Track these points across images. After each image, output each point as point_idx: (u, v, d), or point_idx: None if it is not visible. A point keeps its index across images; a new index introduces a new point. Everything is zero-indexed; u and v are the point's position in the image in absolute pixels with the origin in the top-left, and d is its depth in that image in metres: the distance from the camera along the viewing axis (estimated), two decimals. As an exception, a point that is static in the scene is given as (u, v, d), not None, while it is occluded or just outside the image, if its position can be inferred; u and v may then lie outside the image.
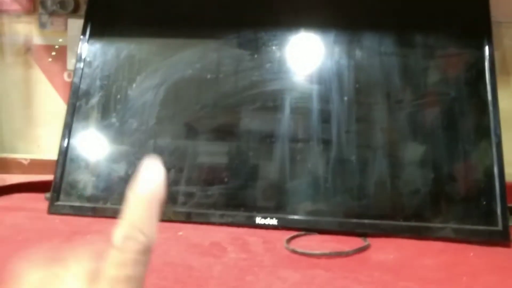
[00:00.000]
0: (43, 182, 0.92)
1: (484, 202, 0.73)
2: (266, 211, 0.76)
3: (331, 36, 0.85)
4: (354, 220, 0.74)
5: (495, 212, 0.72)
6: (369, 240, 0.70)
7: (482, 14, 0.83)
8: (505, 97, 0.87)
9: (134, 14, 0.92)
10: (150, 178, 0.28)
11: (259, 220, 0.75)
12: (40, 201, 0.87)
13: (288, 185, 0.78)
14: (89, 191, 0.83)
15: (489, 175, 0.75)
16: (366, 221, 0.74)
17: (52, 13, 1.01)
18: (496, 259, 0.65)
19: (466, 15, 0.84)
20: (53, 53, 1.03)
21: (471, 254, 0.66)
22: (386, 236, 0.72)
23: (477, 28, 0.82)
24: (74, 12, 1.00)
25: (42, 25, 1.02)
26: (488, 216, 0.72)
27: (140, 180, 0.28)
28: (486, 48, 0.81)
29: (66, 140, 0.85)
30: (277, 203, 0.77)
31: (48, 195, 0.85)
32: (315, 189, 0.77)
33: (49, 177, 0.87)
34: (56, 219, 0.78)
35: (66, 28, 1.01)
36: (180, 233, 0.72)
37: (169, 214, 0.78)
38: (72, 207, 0.81)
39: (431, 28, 0.84)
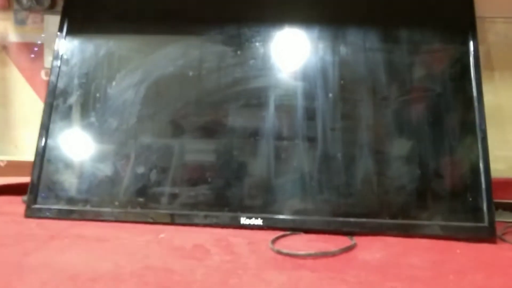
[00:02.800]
0: (20, 185, 0.89)
1: (470, 199, 0.72)
2: (251, 211, 0.75)
3: (315, 32, 0.83)
4: (341, 219, 0.73)
5: (481, 209, 0.71)
6: (356, 239, 0.69)
7: (467, 9, 0.83)
8: (490, 92, 0.86)
9: (113, 10, 0.89)
10: None
11: (243, 220, 0.74)
12: (17, 204, 0.84)
13: (273, 184, 0.76)
14: (67, 193, 0.80)
15: (475, 171, 0.74)
16: (352, 219, 0.73)
17: (28, 10, 0.97)
18: (483, 256, 0.64)
19: (451, 10, 0.83)
20: (32, 51, 0.99)
21: (458, 251, 0.65)
22: (372, 234, 0.71)
23: (462, 23, 0.82)
24: (51, 8, 0.96)
25: (18, 22, 0.99)
26: (474, 213, 0.71)
27: None
28: (471, 44, 0.80)
29: (43, 141, 0.82)
30: (262, 202, 0.76)
31: (25, 197, 0.82)
32: (300, 188, 0.76)
33: (26, 179, 0.84)
34: (33, 223, 0.76)
35: (42, 25, 0.98)
36: (162, 235, 0.70)
37: (151, 215, 0.76)
38: (50, 210, 0.78)
39: (416, 24, 0.83)
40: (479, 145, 0.76)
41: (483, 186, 0.73)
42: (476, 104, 0.78)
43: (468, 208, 0.72)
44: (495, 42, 0.91)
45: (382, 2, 0.85)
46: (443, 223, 0.71)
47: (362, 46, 0.82)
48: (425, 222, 0.71)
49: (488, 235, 0.70)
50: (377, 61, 0.81)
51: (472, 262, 0.62)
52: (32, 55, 1.00)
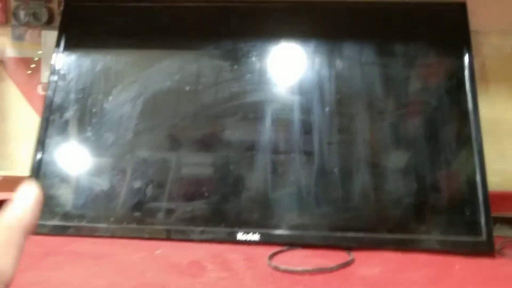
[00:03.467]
0: (15, 200, 0.88)
1: (468, 213, 0.72)
2: (248, 226, 0.74)
3: (311, 46, 0.84)
4: (338, 234, 0.73)
5: (479, 223, 0.71)
6: (354, 254, 0.68)
7: (461, 23, 0.84)
8: (486, 105, 0.87)
9: (110, 25, 0.89)
10: (19, 204, 0.25)
11: (240, 235, 0.73)
12: (12, 220, 0.83)
13: (270, 198, 0.76)
14: (63, 208, 0.79)
15: (472, 184, 0.74)
16: (350, 234, 0.72)
17: (25, 25, 0.97)
18: (482, 271, 0.64)
19: (445, 24, 0.84)
20: (29, 66, 0.99)
21: (457, 266, 0.65)
22: (370, 249, 0.71)
23: (457, 37, 0.83)
24: (49, 23, 0.97)
25: (15, 37, 0.99)
26: (472, 227, 0.71)
27: (10, 205, 0.25)
28: (466, 57, 0.81)
29: (39, 156, 0.82)
30: (259, 217, 0.75)
31: (20, 213, 0.81)
32: (298, 202, 0.75)
33: (22, 194, 0.83)
34: (28, 239, 0.75)
35: (40, 40, 0.98)
36: (158, 251, 0.69)
37: (147, 231, 0.75)
38: (44, 226, 0.77)
39: (411, 38, 0.84)
40: (476, 158, 0.76)
41: (481, 199, 0.73)
42: (472, 117, 0.78)
43: (466, 222, 0.72)
44: (489, 55, 0.91)
45: (378, 16, 0.86)
46: (441, 237, 0.71)
47: (358, 60, 0.83)
48: (423, 237, 0.71)
49: (487, 250, 0.70)
50: (373, 75, 0.81)
51: (471, 277, 0.61)
52: (29, 70, 1.00)
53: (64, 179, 0.81)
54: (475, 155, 0.76)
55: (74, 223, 0.78)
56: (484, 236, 0.70)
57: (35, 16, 0.96)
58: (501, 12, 0.91)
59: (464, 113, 0.78)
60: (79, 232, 0.76)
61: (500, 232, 0.80)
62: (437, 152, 0.76)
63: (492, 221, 0.72)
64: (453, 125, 0.78)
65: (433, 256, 0.68)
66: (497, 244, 0.71)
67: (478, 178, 0.74)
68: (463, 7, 0.85)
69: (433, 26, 0.85)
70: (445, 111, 0.79)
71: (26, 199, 0.25)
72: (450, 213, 0.73)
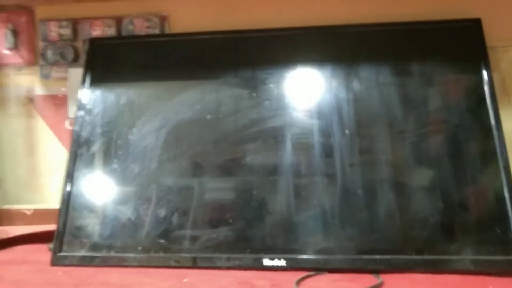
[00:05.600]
0: (46, 233, 0.90)
1: (499, 231, 0.70)
2: (273, 252, 0.74)
3: (328, 70, 0.85)
4: (365, 257, 0.72)
5: (510, 241, 0.69)
6: (382, 277, 0.67)
7: (477, 39, 0.84)
8: (508, 117, 0.86)
9: (132, 60, 0.93)
10: None
11: (266, 261, 0.73)
12: (43, 252, 0.85)
13: (294, 222, 0.76)
14: (92, 239, 0.81)
15: (500, 201, 0.73)
16: (377, 256, 0.71)
17: (53, 64, 1.02)
18: (517, 291, 0.62)
19: (462, 41, 0.85)
20: (56, 103, 1.04)
21: (490, 287, 0.63)
22: (399, 271, 0.69)
23: (474, 54, 0.83)
24: (74, 61, 1.01)
25: (43, 76, 1.04)
26: (504, 245, 0.69)
27: None
28: (484, 73, 0.81)
29: (69, 188, 0.85)
30: (284, 242, 0.75)
31: (51, 245, 0.83)
32: (322, 226, 0.75)
33: (52, 226, 0.86)
34: (59, 271, 0.76)
35: (66, 77, 1.02)
36: (185, 279, 0.70)
37: (174, 259, 0.76)
38: (75, 257, 0.79)
39: (427, 56, 0.84)
40: (502, 174, 0.74)
41: (511, 216, 0.71)
42: (495, 132, 0.77)
43: (497, 240, 0.70)
44: (509, 69, 0.91)
45: (392, 37, 0.87)
46: (472, 257, 0.69)
47: (375, 81, 0.83)
48: (453, 257, 0.69)
49: (521, 268, 0.68)
50: (391, 95, 0.82)
51: (506, 298, 0.59)
52: (57, 107, 1.04)
53: (92, 210, 0.83)
54: (502, 171, 0.74)
55: (103, 254, 0.79)
56: (516, 255, 0.68)
57: (61, 55, 1.01)
58: (517, 26, 0.90)
59: (487, 129, 0.78)
60: (107, 262, 0.78)
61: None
62: (462, 169, 0.75)
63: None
64: (476, 141, 0.77)
65: (465, 276, 0.67)
66: (531, 262, 0.69)
67: (506, 194, 0.73)
68: (478, 24, 0.85)
69: (449, 43, 0.85)
70: (467, 128, 0.78)
71: None
72: (480, 232, 0.71)
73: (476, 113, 0.79)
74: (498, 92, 0.81)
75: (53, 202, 0.97)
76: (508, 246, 0.69)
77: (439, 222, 0.73)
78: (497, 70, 0.89)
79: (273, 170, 0.80)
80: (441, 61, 0.83)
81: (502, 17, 0.90)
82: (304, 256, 0.73)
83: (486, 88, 0.80)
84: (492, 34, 0.87)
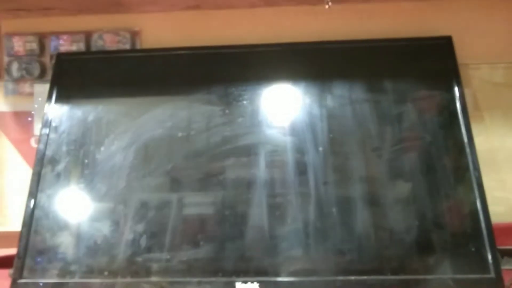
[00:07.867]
0: (7, 257, 0.85)
1: (473, 249, 0.70)
2: (246, 275, 0.71)
3: (301, 87, 0.84)
4: (341, 278, 0.70)
5: (486, 259, 0.69)
6: (358, 299, 0.65)
7: (449, 57, 0.85)
8: (480, 133, 0.86)
9: (101, 76, 0.90)
10: None
11: (239, 285, 0.70)
12: (3, 278, 0.80)
13: (268, 244, 0.74)
14: (55, 265, 0.76)
15: (474, 218, 0.72)
16: (353, 277, 0.70)
17: (18, 80, 0.98)
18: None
19: (433, 59, 0.85)
20: (21, 120, 1.00)
21: (466, 307, 0.62)
22: (375, 293, 0.68)
23: (445, 71, 0.83)
24: (41, 77, 0.98)
25: (8, 92, 1.00)
26: (479, 264, 0.69)
27: None
28: (456, 90, 0.81)
29: (31, 210, 0.80)
30: (257, 265, 0.72)
31: (11, 271, 0.79)
32: (296, 247, 0.73)
33: (14, 251, 0.81)
34: (19, 300, 0.72)
35: (32, 93, 0.98)
36: (153, 307, 0.66)
37: (142, 285, 0.72)
38: (36, 284, 0.75)
39: (400, 73, 0.84)
40: (476, 191, 0.74)
41: (485, 234, 0.71)
42: (467, 149, 0.77)
43: (472, 259, 0.69)
44: (480, 86, 0.92)
45: (366, 53, 0.87)
46: (447, 277, 0.68)
47: (348, 98, 0.83)
48: (428, 277, 0.68)
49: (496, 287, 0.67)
50: (364, 112, 0.81)
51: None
52: (22, 124, 1.00)
53: (56, 233, 0.79)
54: (475, 188, 0.74)
55: (66, 280, 0.75)
56: (492, 273, 0.68)
57: (27, 70, 0.97)
58: (487, 44, 0.92)
59: (460, 145, 0.78)
60: (71, 289, 0.74)
61: (508, 265, 0.77)
62: (436, 186, 0.75)
63: (500, 255, 0.70)
64: (449, 158, 0.77)
65: (441, 297, 0.66)
66: (507, 279, 0.68)
67: (480, 211, 0.72)
68: (449, 41, 0.86)
69: (421, 61, 0.86)
70: (440, 145, 0.78)
71: None
72: (455, 250, 0.70)
73: (449, 129, 0.79)
74: (470, 108, 0.82)
75: (17, 224, 0.92)
76: (483, 265, 0.69)
77: (414, 240, 0.72)
78: (469, 87, 0.90)
79: (246, 189, 0.78)
80: (414, 78, 0.84)
81: (472, 35, 0.91)
82: (278, 279, 0.71)
83: (458, 105, 0.81)
84: (463, 52, 0.88)
